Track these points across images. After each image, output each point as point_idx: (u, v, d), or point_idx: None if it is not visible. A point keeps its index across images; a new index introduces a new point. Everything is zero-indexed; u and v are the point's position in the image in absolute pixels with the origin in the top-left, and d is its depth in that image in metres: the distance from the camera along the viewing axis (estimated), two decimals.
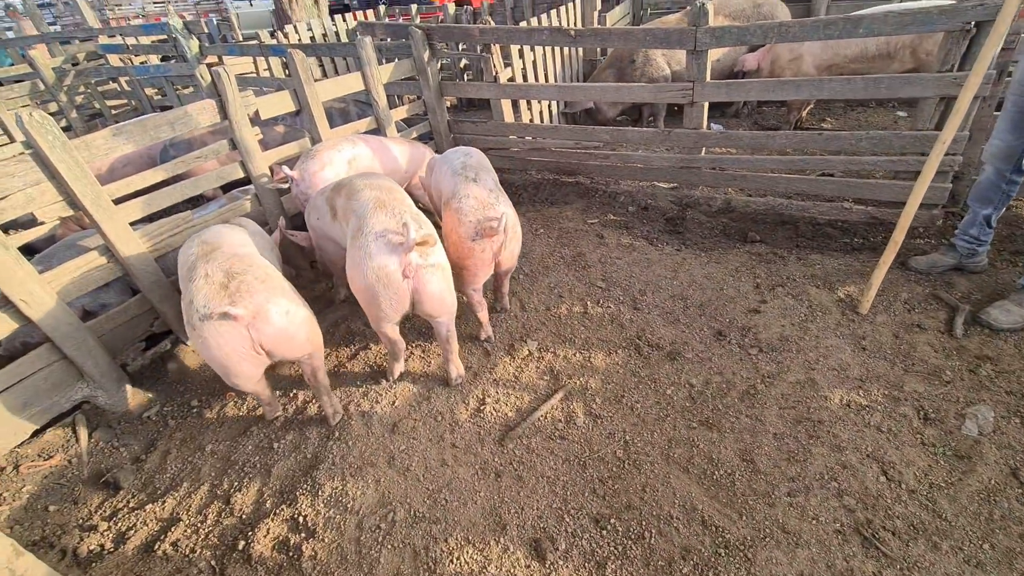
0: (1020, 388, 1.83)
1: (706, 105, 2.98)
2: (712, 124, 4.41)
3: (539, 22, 3.84)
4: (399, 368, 2.16)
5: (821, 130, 2.81)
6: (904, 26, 2.37)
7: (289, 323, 1.70)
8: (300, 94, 2.87)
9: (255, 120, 2.66)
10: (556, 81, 4.19)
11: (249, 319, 1.61)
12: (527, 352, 2.28)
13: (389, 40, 3.84)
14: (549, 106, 4.16)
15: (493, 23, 3.40)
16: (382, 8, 6.63)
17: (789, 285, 2.46)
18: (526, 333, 2.39)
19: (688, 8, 2.69)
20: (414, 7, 6.34)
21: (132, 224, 2.24)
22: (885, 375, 1.94)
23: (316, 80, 2.94)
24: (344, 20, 6.18)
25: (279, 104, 2.82)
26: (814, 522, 1.51)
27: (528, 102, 4.11)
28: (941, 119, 2.61)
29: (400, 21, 6.45)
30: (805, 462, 1.68)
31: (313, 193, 2.49)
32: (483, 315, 2.29)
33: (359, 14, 6.66)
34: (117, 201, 2.15)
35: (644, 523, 1.57)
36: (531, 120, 3.90)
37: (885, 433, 1.73)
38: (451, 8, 6.01)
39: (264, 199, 2.77)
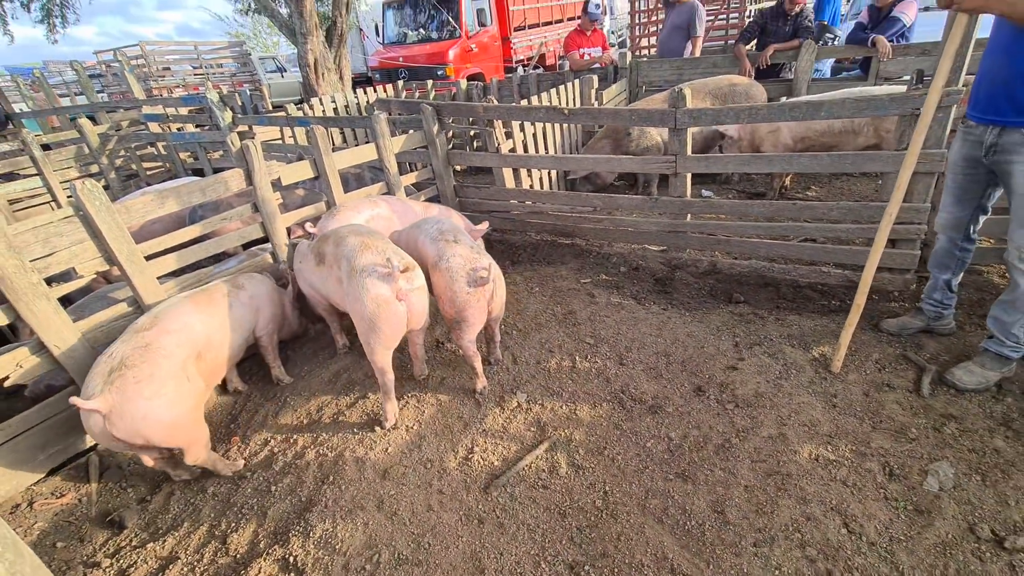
0: (981, 446, 1.91)
1: (689, 176, 3.23)
2: (703, 191, 4.68)
3: (539, 100, 4.21)
4: (392, 411, 2.30)
5: (795, 200, 3.02)
6: (860, 111, 2.63)
7: (143, 426, 1.80)
8: (319, 163, 3.18)
9: (276, 185, 2.95)
10: (556, 150, 4.53)
11: (106, 414, 1.76)
12: (516, 404, 2.41)
13: (403, 114, 4.22)
14: (548, 172, 4.47)
15: (496, 101, 3.75)
16: (400, 83, 7.21)
17: (766, 344, 2.58)
18: (516, 385, 2.52)
19: (670, 91, 3.00)
20: (429, 82, 6.90)
21: (159, 278, 2.47)
22: (853, 431, 2.03)
23: (335, 149, 3.26)
24: (365, 93, 6.74)
25: (300, 172, 3.12)
26: (777, 572, 1.57)
27: (528, 169, 4.43)
28: (909, 191, 2.81)
29: (417, 94, 7.01)
30: (772, 514, 1.75)
31: None
32: (478, 365, 2.44)
33: (380, 88, 7.24)
34: (149, 257, 2.40)
35: (617, 571, 1.65)
36: (531, 185, 4.19)
37: (850, 487, 1.81)
38: (463, 84, 6.54)
39: (280, 256, 3.01)
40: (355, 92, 6.76)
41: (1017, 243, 1.94)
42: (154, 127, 6.38)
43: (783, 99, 4.91)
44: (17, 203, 5.69)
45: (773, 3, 5.17)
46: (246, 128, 5.47)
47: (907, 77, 4.51)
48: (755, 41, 5.20)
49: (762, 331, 2.71)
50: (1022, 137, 1.83)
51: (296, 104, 6.25)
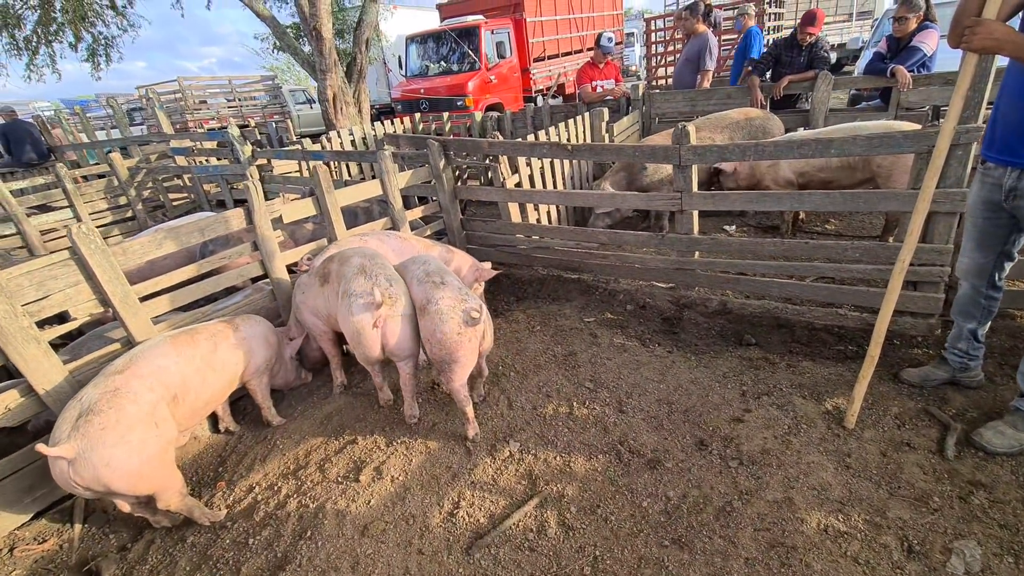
0: (1015, 521, 1.72)
1: (695, 213, 3.13)
2: (724, 227, 4.55)
3: (547, 134, 4.20)
4: (386, 394, 2.65)
5: (809, 239, 2.89)
6: (873, 148, 2.51)
7: (105, 474, 1.77)
8: (321, 201, 3.20)
9: (276, 223, 2.97)
10: (564, 183, 4.49)
11: (71, 461, 1.74)
12: (508, 453, 2.31)
13: (411, 149, 4.26)
14: (556, 206, 4.42)
15: (511, 133, 3.74)
16: (418, 115, 7.34)
17: (776, 394, 2.43)
18: (510, 433, 2.42)
19: (673, 129, 2.93)
20: (445, 115, 7.01)
21: (157, 317, 2.48)
22: (868, 498, 1.86)
23: (348, 182, 3.28)
24: (382, 124, 6.87)
25: (301, 210, 3.14)
26: None
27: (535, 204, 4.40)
28: (929, 231, 2.65)
29: (434, 125, 7.12)
30: None
31: None
32: (469, 410, 2.36)
33: (401, 119, 7.39)
34: (145, 298, 2.42)
35: None
36: (538, 219, 4.15)
37: (862, 565, 1.64)
38: (478, 116, 6.61)
39: (279, 294, 3.01)
40: (377, 123, 6.91)
41: None
42: (181, 160, 6.62)
43: (800, 130, 4.79)
44: (50, 233, 5.94)
45: (787, 34, 5.10)
46: (265, 162, 5.61)
47: (927, 108, 4.36)
48: (769, 72, 5.12)
49: (772, 379, 2.55)
50: None
51: (313, 137, 6.41)
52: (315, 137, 6.91)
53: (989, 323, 2.19)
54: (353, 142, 6.38)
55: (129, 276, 2.40)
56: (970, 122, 2.34)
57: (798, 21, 4.89)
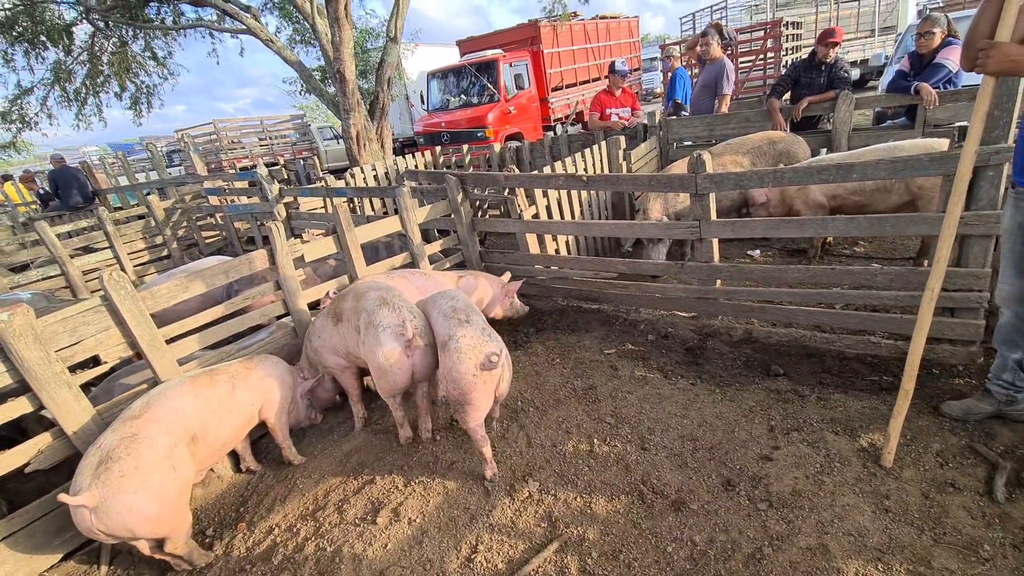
0: None
1: (715, 241, 3.08)
2: (749, 251, 4.46)
3: (563, 166, 4.23)
4: (406, 431, 2.65)
5: (836, 264, 2.80)
6: (896, 172, 2.44)
7: (128, 520, 1.83)
8: (341, 238, 3.28)
9: (298, 262, 3.05)
10: (582, 212, 4.49)
11: (92, 507, 1.77)
12: (527, 494, 2.25)
13: (430, 184, 4.34)
14: (577, 236, 4.41)
15: (529, 162, 3.78)
16: (438, 148, 7.51)
17: (806, 430, 2.32)
18: (529, 472, 2.37)
19: (689, 157, 2.91)
20: (464, 147, 7.16)
21: (182, 359, 2.55)
22: (910, 545, 1.74)
23: (371, 218, 3.35)
24: (405, 158, 7.05)
25: (322, 248, 3.22)
26: None
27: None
28: (964, 255, 2.54)
29: (454, 158, 7.27)
30: None
31: None
32: (487, 451, 2.32)
33: (423, 152, 7.59)
34: (172, 340, 2.49)
35: None
36: (556, 250, 4.14)
37: None
38: (496, 147, 6.72)
39: (301, 331, 3.07)
40: (400, 157, 7.11)
41: None
42: (214, 200, 6.91)
43: (823, 151, 4.70)
44: (93, 272, 6.23)
45: (806, 55, 5.06)
46: (291, 199, 5.80)
47: (959, 124, 4.23)
48: (788, 94, 5.07)
49: (801, 413, 2.45)
50: None
51: (335, 173, 6.61)
52: (341, 172, 7.14)
53: None
54: (376, 177, 6.55)
55: (159, 316, 2.49)
56: (1000, 142, 2.26)
57: (816, 40, 4.85)
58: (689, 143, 5.59)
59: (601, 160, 4.87)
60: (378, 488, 2.40)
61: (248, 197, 6.83)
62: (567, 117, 12.80)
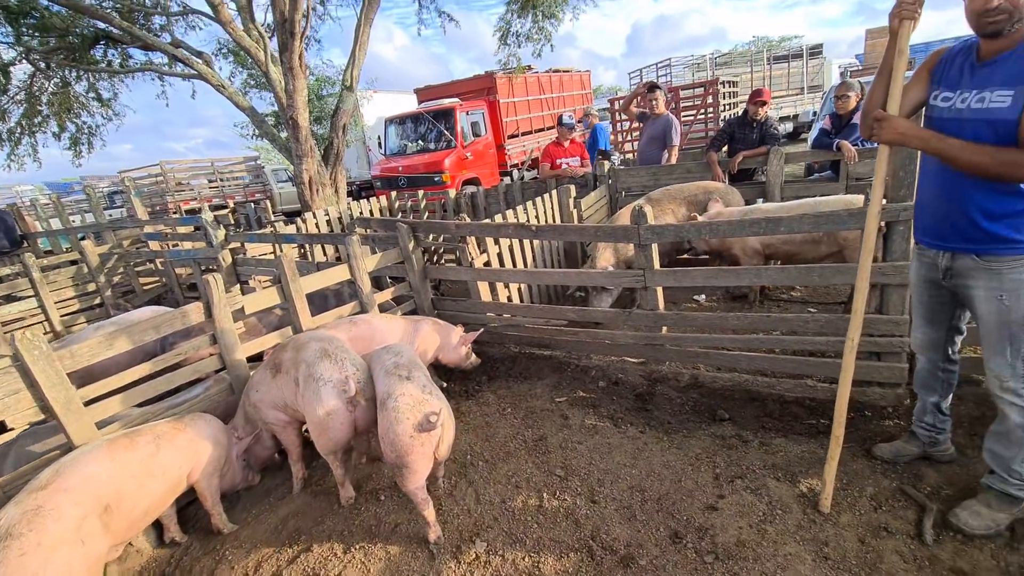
0: None
1: (660, 289, 3.18)
2: (695, 295, 4.62)
3: (515, 214, 4.31)
4: (348, 491, 2.53)
5: (772, 311, 2.93)
6: (819, 225, 2.62)
7: None
8: (286, 289, 3.19)
9: (238, 314, 2.93)
10: (535, 259, 4.56)
11: None
12: (474, 555, 2.17)
13: (381, 231, 4.32)
14: (530, 284, 4.46)
15: (468, 218, 3.84)
16: (394, 193, 7.54)
17: (749, 477, 2.36)
18: (476, 531, 2.29)
19: (630, 208, 3.04)
20: (420, 192, 7.22)
21: (103, 423, 2.36)
22: None
23: (318, 265, 3.28)
24: (359, 203, 7.02)
25: (265, 299, 3.12)
26: None
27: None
28: (885, 303, 2.71)
29: (409, 202, 7.30)
30: None
31: None
32: (429, 513, 2.23)
33: (380, 195, 7.58)
34: (91, 401, 2.31)
35: None
36: (509, 297, 4.17)
37: None
38: (452, 193, 6.81)
39: (239, 387, 2.91)
40: (357, 200, 7.07)
41: (995, 371, 1.80)
42: (154, 245, 6.62)
43: (759, 200, 5.01)
44: (16, 323, 5.79)
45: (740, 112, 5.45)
46: (238, 244, 5.63)
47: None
48: (726, 147, 5.42)
49: (745, 459, 2.49)
50: (975, 262, 1.75)
51: (286, 219, 6.50)
52: (296, 215, 7.03)
53: (951, 394, 2.19)
54: (329, 222, 6.48)
55: (83, 371, 2.31)
56: (907, 199, 2.46)
57: (748, 100, 5.24)
58: (637, 191, 5.84)
59: (552, 208, 5.00)
60: (315, 557, 2.25)
61: (192, 243, 6.60)
62: (523, 163, 13.19)
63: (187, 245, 6.52)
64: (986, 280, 1.73)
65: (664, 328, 3.26)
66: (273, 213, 14.10)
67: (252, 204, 9.27)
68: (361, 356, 2.67)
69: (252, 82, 10.72)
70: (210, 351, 2.86)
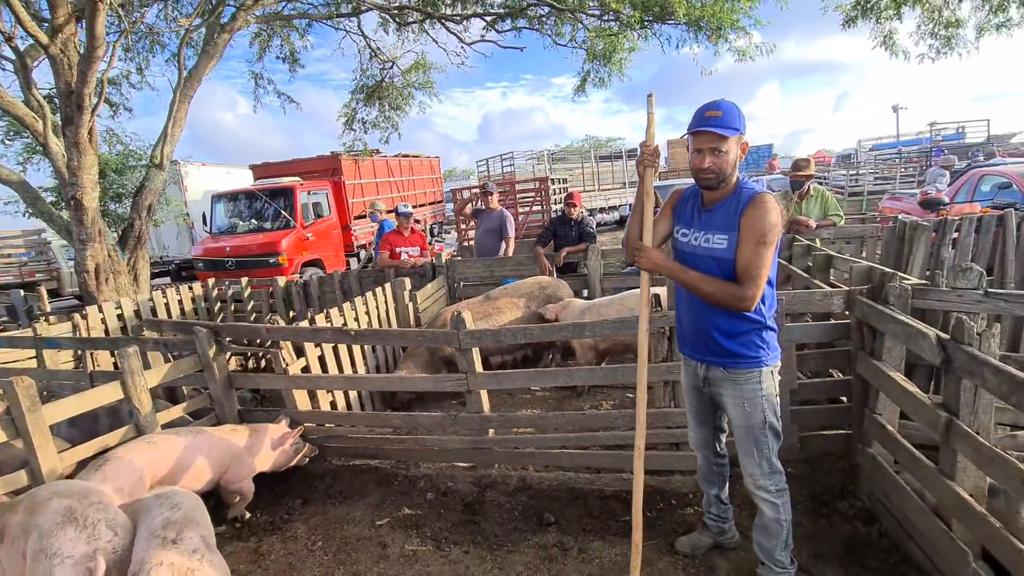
0: None
1: (484, 392, 3.16)
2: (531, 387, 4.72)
3: (342, 312, 4.07)
4: None
5: (583, 412, 3.07)
6: (617, 331, 2.86)
7: None
8: (20, 423, 2.50)
9: None
10: (364, 359, 4.30)
11: None
12: None
13: (175, 335, 3.74)
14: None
15: (317, 299, 3.50)
16: (211, 281, 6.75)
17: None
18: None
19: (451, 314, 3.04)
20: (244, 279, 6.56)
21: None
22: None
23: (92, 375, 2.62)
24: (164, 295, 6.10)
25: None
26: None
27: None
28: (675, 396, 3.00)
29: (231, 290, 6.56)
30: None
31: None
32: None
33: (202, 278, 6.70)
34: None
35: None
36: (333, 402, 3.82)
37: None
38: (281, 281, 6.30)
39: None
40: (176, 281, 6.12)
41: (748, 471, 2.03)
42: None
43: (584, 292, 5.45)
44: None
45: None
46: None
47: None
48: (552, 243, 5.90)
49: (564, 572, 2.45)
50: (723, 374, 2.01)
51: (68, 313, 5.38)
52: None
53: (727, 486, 2.43)
54: (121, 316, 5.49)
55: None
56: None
57: (563, 202, 5.84)
58: (475, 281, 6.00)
59: (387, 301, 4.87)
60: None
61: None
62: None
63: None
64: (731, 389, 1.99)
65: (491, 431, 3.22)
66: (61, 297, 11.76)
67: (21, 292, 7.55)
68: (130, 506, 2.14)
69: (33, 148, 9.10)
70: None
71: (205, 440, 2.90)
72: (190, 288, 6.48)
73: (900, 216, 5.65)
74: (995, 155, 14.59)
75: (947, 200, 6.51)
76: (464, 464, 3.40)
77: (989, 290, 2.40)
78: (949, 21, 7.08)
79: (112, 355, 5.10)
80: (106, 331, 5.22)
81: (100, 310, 5.30)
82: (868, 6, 7.10)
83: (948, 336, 1.92)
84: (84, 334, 4.94)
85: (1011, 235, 4.17)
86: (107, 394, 2.94)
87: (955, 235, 4.29)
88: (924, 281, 2.70)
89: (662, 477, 3.00)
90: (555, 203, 10.51)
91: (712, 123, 1.83)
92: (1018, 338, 3.58)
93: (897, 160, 20.58)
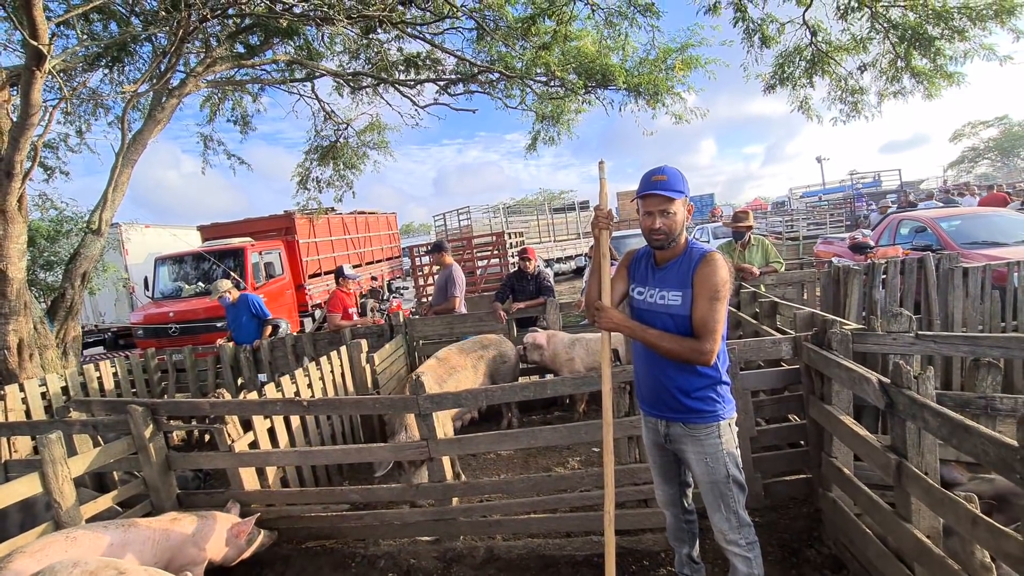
0: None
1: (447, 459, 3.04)
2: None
3: (306, 371, 3.88)
4: None
5: (550, 474, 2.99)
6: (578, 388, 2.85)
7: None
8: None
9: None
10: (319, 429, 4.08)
11: None
12: None
13: (107, 414, 3.45)
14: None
15: (228, 395, 3.31)
16: (151, 351, 6.35)
17: None
18: None
19: (411, 378, 2.95)
20: (188, 347, 6.21)
21: None
22: None
23: (6, 464, 2.33)
24: (98, 369, 5.67)
25: None
26: None
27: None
28: (640, 452, 2.98)
29: (173, 358, 6.18)
30: None
31: None
32: None
33: (142, 345, 6.26)
34: None
35: None
36: (284, 478, 3.57)
37: None
38: (229, 347, 6.00)
39: None
40: (113, 349, 5.66)
41: (717, 526, 2.01)
42: None
43: None
44: None
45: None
46: None
47: None
48: (511, 297, 5.92)
49: None
50: (683, 429, 2.02)
51: None
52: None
53: (697, 544, 2.38)
54: (47, 395, 5.05)
55: None
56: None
57: (517, 256, 5.94)
58: (434, 339, 5.90)
59: (342, 364, 4.69)
60: None
61: None
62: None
63: None
64: (693, 445, 2.00)
65: (455, 500, 3.08)
66: None
67: None
68: None
69: None
70: None
71: (137, 534, 2.63)
72: (126, 358, 6.06)
73: (834, 260, 6.05)
74: (931, 198, 15.97)
75: (873, 244, 7.04)
76: (427, 538, 3.21)
77: (920, 332, 2.56)
78: (854, 88, 7.92)
79: (33, 439, 4.64)
80: (27, 413, 4.77)
81: (21, 389, 4.86)
82: (784, 76, 7.87)
83: (889, 380, 2.01)
84: (2, 418, 4.49)
85: (931, 275, 4.52)
86: (23, 488, 2.64)
87: (883, 276, 4.61)
88: (861, 326, 2.85)
89: (632, 537, 2.92)
90: (512, 255, 10.67)
91: (659, 187, 1.92)
92: (950, 374, 3.81)
93: (825, 206, 22.25)
